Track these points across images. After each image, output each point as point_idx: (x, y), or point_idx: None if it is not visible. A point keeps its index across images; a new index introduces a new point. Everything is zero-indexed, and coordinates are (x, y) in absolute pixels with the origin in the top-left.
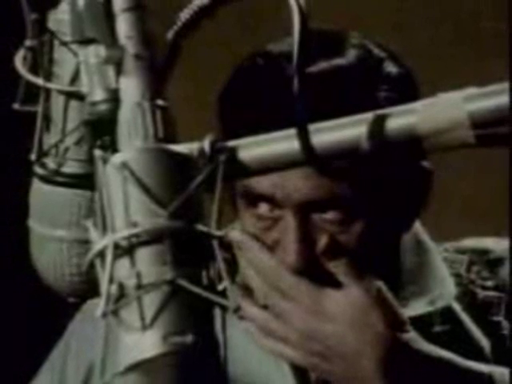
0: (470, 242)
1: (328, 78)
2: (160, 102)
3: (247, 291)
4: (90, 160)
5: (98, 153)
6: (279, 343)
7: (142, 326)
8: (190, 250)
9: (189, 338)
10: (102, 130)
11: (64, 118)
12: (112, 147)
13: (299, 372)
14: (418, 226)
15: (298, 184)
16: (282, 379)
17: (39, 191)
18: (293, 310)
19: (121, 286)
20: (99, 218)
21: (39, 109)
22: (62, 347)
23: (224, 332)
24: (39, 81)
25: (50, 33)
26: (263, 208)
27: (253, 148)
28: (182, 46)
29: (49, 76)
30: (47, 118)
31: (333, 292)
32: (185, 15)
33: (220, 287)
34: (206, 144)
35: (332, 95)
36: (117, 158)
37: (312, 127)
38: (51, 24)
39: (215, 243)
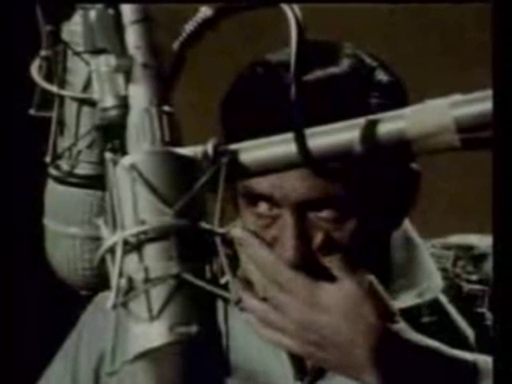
0: (456, 239)
1: (323, 85)
2: (166, 108)
3: (248, 284)
4: (101, 162)
5: (108, 155)
6: (277, 333)
7: (149, 317)
8: (195, 246)
9: (193, 329)
10: (112, 134)
11: (77, 123)
12: (121, 150)
13: (296, 360)
14: (407, 224)
15: (295, 184)
16: (280, 366)
17: (53, 191)
18: (290, 302)
19: (130, 280)
20: (110, 217)
21: (53, 114)
22: (74, 337)
23: (226, 322)
24: (54, 88)
25: (64, 43)
26: (263, 207)
27: (253, 151)
28: (186, 55)
29: (62, 84)
30: (61, 123)
31: (327, 285)
32: (189, 27)
33: (222, 281)
34: (209, 147)
35: (327, 101)
36: (126, 161)
37: (308, 131)
38: (65, 35)
39: (218, 240)
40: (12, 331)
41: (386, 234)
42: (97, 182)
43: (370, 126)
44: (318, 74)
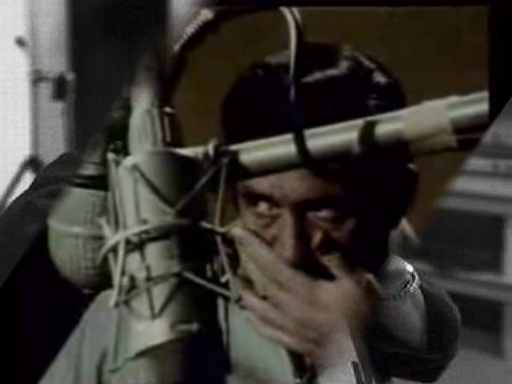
0: None
1: (322, 87)
2: (168, 110)
3: (248, 283)
4: (104, 163)
5: (110, 156)
6: (277, 331)
7: (151, 315)
8: (196, 245)
9: (194, 326)
10: (114, 135)
11: None
12: (124, 151)
13: (295, 357)
14: (404, 224)
15: (294, 184)
16: (279, 364)
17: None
18: (290, 300)
19: (132, 279)
20: (112, 216)
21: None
22: (77, 334)
23: (226, 320)
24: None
25: None
26: (262, 207)
27: (253, 152)
28: (188, 58)
29: None
30: None
31: (326, 284)
32: (190, 30)
33: (223, 279)
34: (210, 148)
35: (326, 103)
36: (128, 161)
37: (307, 132)
38: None
39: (218, 239)
40: (15, 330)
41: (384, 234)
42: (99, 182)
43: (369, 127)
44: (317, 75)
